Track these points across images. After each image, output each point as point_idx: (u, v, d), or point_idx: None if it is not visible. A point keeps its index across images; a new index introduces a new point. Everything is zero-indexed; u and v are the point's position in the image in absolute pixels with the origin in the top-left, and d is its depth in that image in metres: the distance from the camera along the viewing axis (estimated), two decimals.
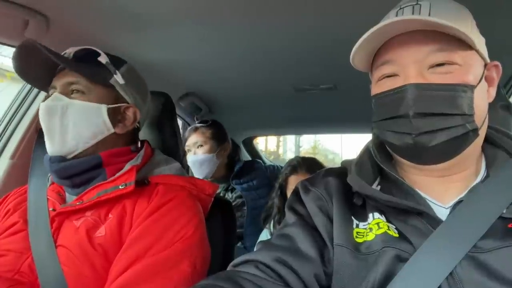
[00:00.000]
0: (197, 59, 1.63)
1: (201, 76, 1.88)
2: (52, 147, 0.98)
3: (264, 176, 2.27)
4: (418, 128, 0.67)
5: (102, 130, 1.02)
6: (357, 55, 0.76)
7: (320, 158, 2.26)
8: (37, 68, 1.02)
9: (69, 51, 1.02)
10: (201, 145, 2.13)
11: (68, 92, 0.99)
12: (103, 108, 1.01)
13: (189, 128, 2.24)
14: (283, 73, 1.82)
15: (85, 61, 1.01)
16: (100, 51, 1.06)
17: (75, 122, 0.97)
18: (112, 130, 1.04)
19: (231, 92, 2.17)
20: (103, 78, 1.03)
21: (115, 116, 1.04)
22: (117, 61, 1.08)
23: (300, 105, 2.36)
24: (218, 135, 2.17)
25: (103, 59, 1.04)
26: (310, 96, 2.16)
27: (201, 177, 2.12)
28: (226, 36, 1.38)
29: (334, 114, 2.61)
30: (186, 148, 2.18)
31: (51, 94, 1.00)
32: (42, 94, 1.41)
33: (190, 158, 2.13)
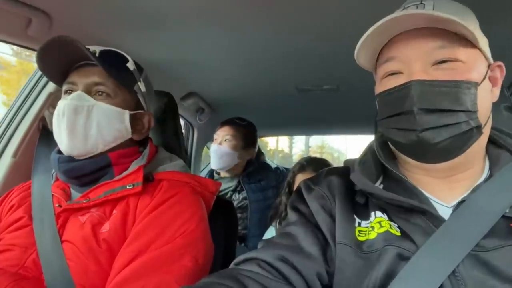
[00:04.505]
0: (200, 59, 1.63)
1: (204, 76, 1.89)
2: (71, 147, 0.96)
3: (273, 178, 2.25)
4: (422, 124, 0.67)
5: (122, 135, 1.02)
6: (362, 52, 0.76)
7: (327, 156, 2.27)
8: (58, 63, 1.00)
9: (94, 49, 1.00)
10: (229, 140, 2.13)
11: (91, 92, 0.98)
12: (127, 114, 1.02)
13: (224, 120, 2.23)
14: (286, 74, 1.82)
15: (112, 64, 1.00)
16: (127, 56, 1.06)
17: (99, 124, 0.97)
18: (130, 136, 1.05)
19: (234, 93, 2.18)
20: (129, 83, 1.04)
21: (133, 122, 1.05)
22: (138, 68, 1.09)
23: (302, 106, 2.37)
24: (248, 138, 2.18)
25: (131, 65, 1.05)
26: (313, 97, 2.17)
27: (215, 167, 2.17)
28: (230, 36, 1.39)
29: (337, 115, 2.61)
30: (214, 137, 2.20)
31: (70, 90, 0.99)
32: (45, 92, 1.42)
33: (214, 147, 2.15)
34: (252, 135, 2.21)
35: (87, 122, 0.96)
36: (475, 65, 0.70)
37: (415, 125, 0.67)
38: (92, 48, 1.00)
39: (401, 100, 0.69)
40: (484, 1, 1.04)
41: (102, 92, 0.98)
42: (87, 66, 1.00)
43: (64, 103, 0.96)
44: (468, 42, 0.69)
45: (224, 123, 2.20)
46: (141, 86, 1.06)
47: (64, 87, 1.01)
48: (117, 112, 1.00)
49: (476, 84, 0.68)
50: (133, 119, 1.04)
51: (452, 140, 0.67)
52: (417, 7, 0.73)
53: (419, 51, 0.70)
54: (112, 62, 1.00)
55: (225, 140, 2.14)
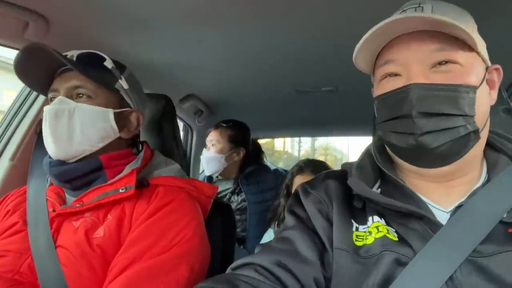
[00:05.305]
0: (198, 61, 1.63)
1: (202, 78, 1.88)
2: (57, 151, 0.96)
3: (271, 179, 2.24)
4: (421, 128, 0.67)
5: (109, 135, 1.02)
6: (360, 55, 0.76)
7: (330, 158, 2.28)
8: (38, 71, 1.01)
9: (71, 54, 1.01)
10: (214, 144, 2.15)
11: (73, 96, 0.98)
12: (110, 112, 1.01)
13: (213, 125, 2.26)
14: (284, 76, 1.82)
15: (89, 65, 1.01)
16: (104, 56, 1.06)
17: (83, 126, 0.97)
18: (118, 135, 1.04)
19: (232, 94, 2.18)
20: (109, 82, 1.03)
21: (120, 120, 1.04)
22: (119, 66, 1.08)
23: (301, 108, 2.36)
24: (234, 138, 2.17)
25: (108, 64, 1.05)
26: (312, 99, 2.17)
27: (208, 174, 2.19)
28: (228, 38, 1.38)
29: (336, 117, 2.61)
30: (206, 143, 2.23)
31: (53, 97, 0.99)
32: (42, 96, 1.41)
33: (203, 153, 2.20)
34: (238, 135, 2.20)
35: (70, 125, 0.96)
36: (473, 69, 0.70)
37: (414, 129, 0.67)
38: (70, 53, 1.01)
39: (400, 103, 0.69)
40: (481, 3, 1.04)
41: (82, 94, 0.99)
42: (66, 72, 1.00)
43: (46, 109, 0.97)
44: (466, 45, 0.69)
45: (211, 128, 2.23)
46: (123, 83, 1.05)
47: (49, 95, 1.02)
48: (100, 112, 0.99)
49: (474, 88, 0.68)
50: (120, 118, 1.04)
51: (450, 145, 0.67)
52: (415, 10, 0.73)
53: (418, 54, 0.69)
54: (90, 64, 1.01)
55: (212, 145, 2.16)
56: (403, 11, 0.75)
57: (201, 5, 1.13)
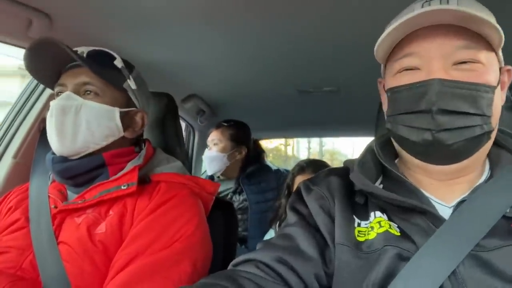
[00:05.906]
0: (201, 61, 1.64)
1: (205, 78, 1.89)
2: (61, 147, 0.96)
3: (273, 179, 2.25)
4: (440, 125, 0.65)
5: (113, 133, 1.02)
6: (381, 46, 0.73)
7: (337, 162, 2.28)
8: (47, 65, 1.01)
9: (82, 50, 1.01)
10: (216, 143, 2.17)
11: (80, 92, 0.98)
12: (116, 111, 1.01)
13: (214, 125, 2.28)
14: (286, 76, 1.83)
15: (99, 62, 1.01)
16: (114, 54, 1.06)
17: (88, 123, 0.97)
18: (122, 134, 1.04)
19: (234, 95, 2.18)
20: (117, 81, 1.03)
21: (125, 120, 1.04)
22: (128, 66, 1.08)
23: (303, 108, 2.37)
24: (236, 137, 2.18)
25: (118, 63, 1.05)
26: (314, 99, 2.17)
27: (210, 173, 2.20)
28: (230, 38, 1.39)
29: (338, 117, 2.61)
30: (207, 143, 2.24)
31: (60, 92, 1.00)
32: (45, 94, 1.42)
33: (205, 153, 2.21)
34: (239, 134, 2.21)
35: (76, 121, 0.96)
36: (493, 68, 0.69)
37: (432, 125, 0.66)
38: (80, 49, 1.01)
39: (418, 97, 0.67)
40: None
41: (90, 91, 0.99)
42: (76, 68, 1.00)
43: (53, 104, 0.97)
44: (489, 44, 0.68)
45: (213, 128, 2.25)
46: (131, 83, 1.06)
47: (56, 90, 1.02)
48: (106, 110, 0.99)
49: (493, 88, 0.67)
50: (125, 117, 1.04)
51: (464, 143, 0.66)
52: (440, 2, 0.68)
53: (442, 49, 0.67)
54: (99, 62, 1.01)
55: (214, 145, 2.18)
56: (426, 1, 0.71)
57: (203, 5, 1.14)
